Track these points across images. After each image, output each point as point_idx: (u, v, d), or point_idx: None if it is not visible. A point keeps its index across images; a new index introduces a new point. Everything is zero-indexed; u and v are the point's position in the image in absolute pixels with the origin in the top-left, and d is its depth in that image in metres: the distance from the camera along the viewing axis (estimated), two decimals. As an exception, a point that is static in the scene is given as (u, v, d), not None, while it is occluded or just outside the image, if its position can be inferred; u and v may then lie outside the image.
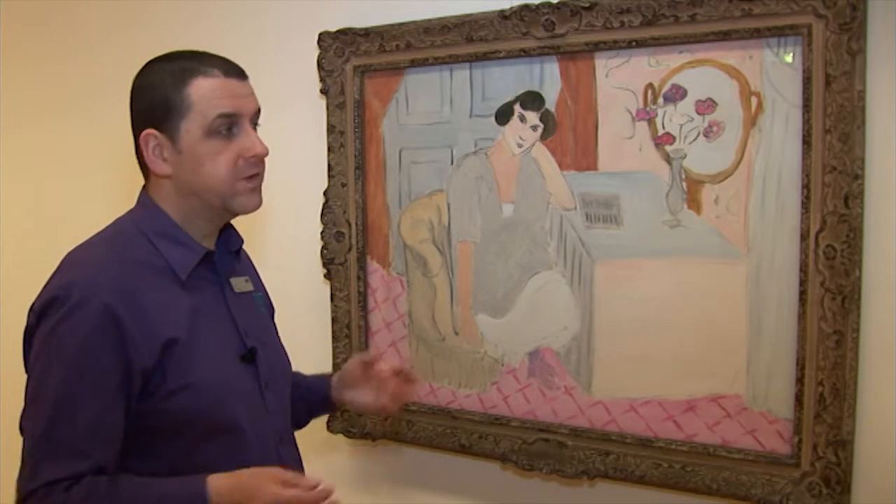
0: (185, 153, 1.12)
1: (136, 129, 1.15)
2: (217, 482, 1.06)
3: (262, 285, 1.37)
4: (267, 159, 1.21)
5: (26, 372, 1.12)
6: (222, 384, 1.14)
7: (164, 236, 1.15)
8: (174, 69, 1.13)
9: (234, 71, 1.16)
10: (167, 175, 1.14)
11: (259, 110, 1.19)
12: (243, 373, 1.18)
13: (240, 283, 1.26)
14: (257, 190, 1.18)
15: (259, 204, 1.19)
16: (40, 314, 1.08)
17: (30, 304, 1.13)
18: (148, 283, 1.11)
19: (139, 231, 1.16)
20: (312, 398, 1.40)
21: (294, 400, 1.33)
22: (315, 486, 1.06)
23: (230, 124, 1.13)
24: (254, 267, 1.38)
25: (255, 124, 1.19)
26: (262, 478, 1.06)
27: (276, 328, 1.37)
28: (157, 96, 1.12)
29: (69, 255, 1.15)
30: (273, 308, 1.40)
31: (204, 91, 1.11)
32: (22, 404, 1.10)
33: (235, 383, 1.16)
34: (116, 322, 1.05)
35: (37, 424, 1.06)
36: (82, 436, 1.05)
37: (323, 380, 1.43)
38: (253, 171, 1.16)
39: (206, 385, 1.11)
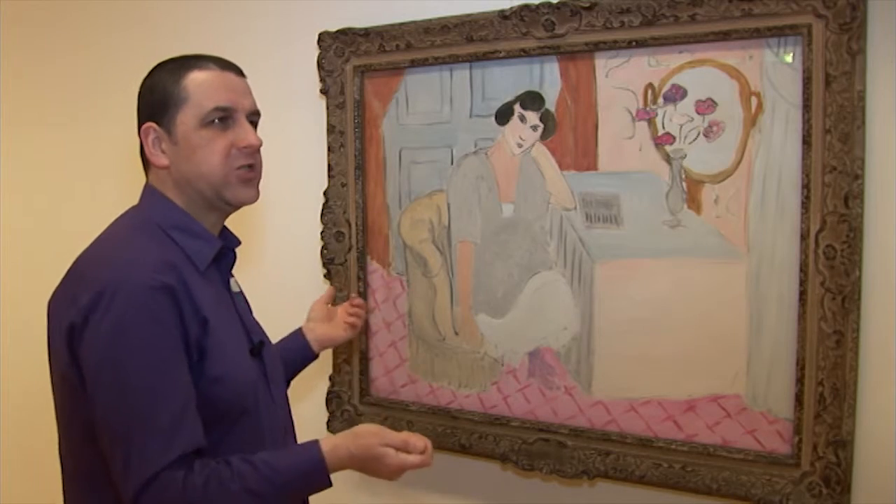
0: (180, 143, 1.16)
1: (138, 126, 1.19)
2: (331, 446, 1.11)
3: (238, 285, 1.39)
4: (267, 159, 1.22)
5: (72, 368, 1.08)
6: (246, 376, 1.17)
7: (178, 228, 1.17)
8: (172, 66, 1.18)
9: (230, 66, 1.21)
10: (165, 166, 1.18)
11: (257, 112, 1.23)
12: (254, 366, 1.20)
13: (233, 283, 1.29)
14: (252, 183, 1.21)
15: (255, 197, 1.22)
16: (90, 309, 1.05)
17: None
18: (182, 265, 1.12)
19: (154, 224, 1.17)
20: (291, 355, 1.47)
21: None
22: (423, 449, 1.15)
23: (224, 116, 1.17)
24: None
25: (252, 123, 1.22)
26: (376, 445, 1.13)
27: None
28: (156, 92, 1.17)
29: (93, 249, 1.15)
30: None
31: (199, 82, 1.16)
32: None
33: (253, 376, 1.19)
34: (174, 297, 1.06)
35: (132, 415, 1.03)
36: (181, 413, 1.04)
37: (295, 335, 1.53)
38: (245, 161, 1.18)
39: (236, 377, 1.14)
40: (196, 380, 1.08)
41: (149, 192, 1.21)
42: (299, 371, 1.52)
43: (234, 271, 1.30)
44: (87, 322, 1.05)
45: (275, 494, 1.07)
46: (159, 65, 1.20)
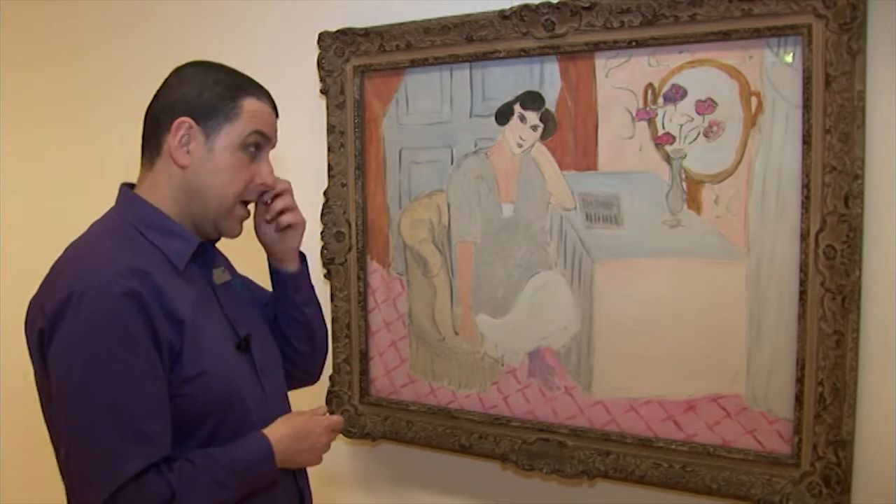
0: (215, 153, 1.15)
1: (166, 113, 1.15)
2: (274, 432, 1.16)
3: (236, 271, 1.36)
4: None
5: (43, 374, 1.09)
6: (228, 372, 1.15)
7: (154, 228, 1.15)
8: (231, 81, 1.18)
9: (275, 106, 1.24)
10: (184, 166, 1.15)
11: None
12: (240, 361, 1.19)
13: (218, 274, 1.26)
14: (243, 220, 1.24)
15: (239, 234, 1.24)
16: (56, 315, 1.04)
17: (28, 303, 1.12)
18: (154, 268, 1.10)
19: (129, 225, 1.15)
20: (279, 305, 1.37)
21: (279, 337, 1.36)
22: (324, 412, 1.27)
23: (259, 145, 1.19)
24: (222, 254, 1.36)
25: None
26: (306, 419, 1.22)
27: (261, 313, 1.35)
28: (207, 93, 1.15)
29: (67, 253, 1.14)
30: (261, 288, 1.39)
31: (254, 108, 1.18)
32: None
33: (237, 371, 1.18)
34: (140, 302, 1.04)
35: (94, 425, 1.02)
36: (147, 421, 1.04)
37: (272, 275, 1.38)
38: (254, 197, 1.23)
39: (216, 373, 1.12)
40: (172, 380, 1.08)
41: (122, 194, 1.20)
42: (300, 297, 1.37)
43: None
44: (55, 328, 1.04)
45: (236, 483, 1.10)
46: (211, 67, 1.19)
